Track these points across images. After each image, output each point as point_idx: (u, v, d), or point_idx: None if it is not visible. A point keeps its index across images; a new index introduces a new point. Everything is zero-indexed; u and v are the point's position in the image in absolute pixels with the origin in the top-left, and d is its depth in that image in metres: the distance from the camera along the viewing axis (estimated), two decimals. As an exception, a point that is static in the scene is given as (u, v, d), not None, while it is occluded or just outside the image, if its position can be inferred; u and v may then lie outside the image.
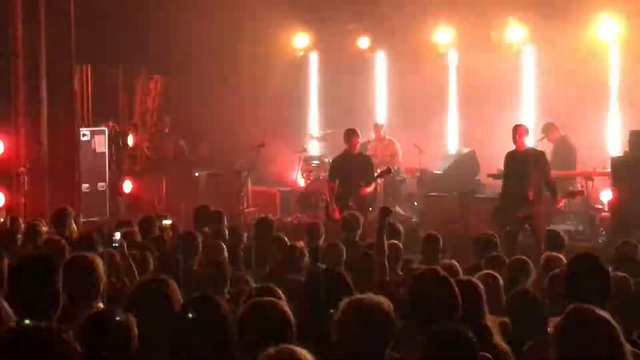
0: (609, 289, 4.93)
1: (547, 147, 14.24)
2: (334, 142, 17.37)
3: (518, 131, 12.03)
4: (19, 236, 9.30)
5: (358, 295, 4.43)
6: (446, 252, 9.32)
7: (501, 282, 6.80)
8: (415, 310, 4.90)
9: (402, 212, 16.13)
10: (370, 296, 4.38)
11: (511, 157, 12.16)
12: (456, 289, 4.94)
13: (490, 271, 6.94)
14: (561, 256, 7.65)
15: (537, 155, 12.01)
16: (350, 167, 12.88)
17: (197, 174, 17.24)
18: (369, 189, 12.84)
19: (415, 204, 16.49)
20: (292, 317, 4.40)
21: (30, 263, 5.10)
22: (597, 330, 3.75)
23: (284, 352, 3.61)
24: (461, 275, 6.88)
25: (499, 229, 10.73)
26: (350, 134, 12.98)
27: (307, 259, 7.92)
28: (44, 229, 9.43)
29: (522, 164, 11.87)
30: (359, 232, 10.01)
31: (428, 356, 4.22)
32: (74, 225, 10.17)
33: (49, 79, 15.12)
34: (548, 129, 14.86)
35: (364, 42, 17.99)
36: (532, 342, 4.86)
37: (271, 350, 3.63)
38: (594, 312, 3.82)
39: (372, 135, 16.63)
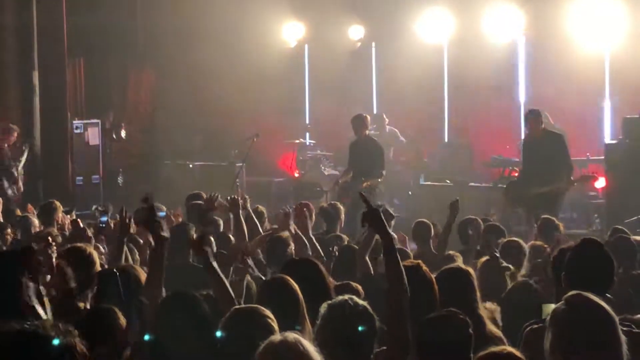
0: (613, 277, 4.89)
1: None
2: (328, 133, 17.40)
3: (530, 117, 11.98)
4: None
5: (339, 299, 4.35)
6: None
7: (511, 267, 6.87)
8: None
9: (397, 202, 16.16)
10: (352, 300, 4.30)
11: (526, 143, 12.26)
12: (435, 286, 4.89)
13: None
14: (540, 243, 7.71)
15: (553, 138, 11.96)
16: (360, 153, 12.80)
17: (191, 166, 17.22)
18: (366, 184, 12.70)
19: (410, 193, 16.49)
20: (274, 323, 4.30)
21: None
22: (594, 319, 3.73)
23: (289, 340, 3.60)
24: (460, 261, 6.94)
25: (511, 205, 10.86)
26: (364, 120, 12.84)
27: (291, 248, 7.90)
28: (35, 221, 9.39)
29: (537, 148, 11.85)
30: (340, 223, 9.94)
31: (422, 340, 4.23)
32: (63, 219, 10.16)
33: (41, 71, 15.09)
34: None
35: (357, 32, 17.96)
36: (529, 328, 4.85)
37: (276, 337, 3.65)
38: (593, 301, 3.81)
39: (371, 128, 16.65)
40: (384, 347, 4.56)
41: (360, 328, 4.16)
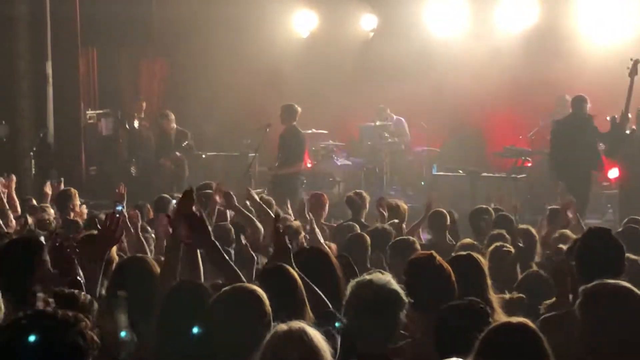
0: (623, 264, 4.88)
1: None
2: (341, 123, 17.38)
3: None
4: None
5: (366, 276, 4.45)
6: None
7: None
8: (410, 295, 4.89)
9: (410, 192, 16.16)
10: (377, 276, 4.42)
11: None
12: (452, 275, 4.92)
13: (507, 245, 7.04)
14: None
15: None
16: (284, 143, 13.34)
17: (203, 156, 17.23)
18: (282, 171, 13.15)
19: (423, 183, 16.49)
20: (267, 307, 4.28)
21: (13, 247, 5.12)
22: (624, 300, 3.80)
23: (294, 330, 3.63)
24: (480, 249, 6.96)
25: None
26: (294, 110, 13.25)
27: (301, 237, 7.91)
28: (51, 211, 9.43)
29: None
30: (365, 211, 9.97)
31: (440, 329, 4.27)
32: (79, 208, 10.21)
33: (54, 61, 15.11)
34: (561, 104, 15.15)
35: (369, 21, 17.96)
36: (543, 318, 4.85)
37: (283, 326, 3.67)
38: (620, 284, 3.87)
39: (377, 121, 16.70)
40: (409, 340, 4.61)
41: (385, 297, 4.26)
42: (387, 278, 4.38)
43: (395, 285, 4.34)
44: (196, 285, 4.64)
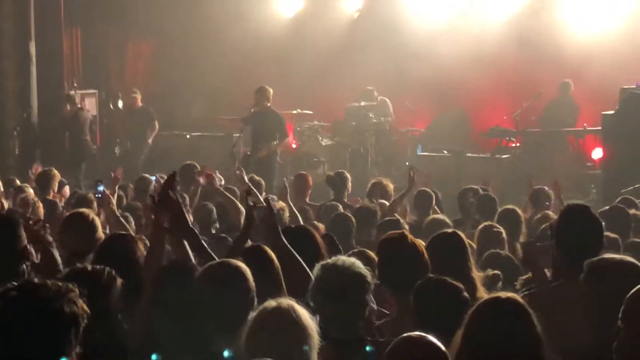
0: (602, 240, 4.90)
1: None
2: (326, 104, 17.35)
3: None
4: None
5: (331, 259, 4.43)
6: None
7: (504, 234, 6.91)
8: (382, 275, 4.89)
9: (395, 172, 16.18)
10: (341, 258, 4.40)
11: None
12: (425, 254, 4.93)
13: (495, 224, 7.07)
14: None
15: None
16: (260, 124, 13.38)
17: (188, 136, 17.20)
18: (263, 154, 13.21)
19: (407, 163, 16.50)
20: (251, 283, 4.32)
21: None
22: (630, 274, 3.86)
23: (283, 306, 3.64)
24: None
25: None
26: (266, 92, 13.36)
27: (286, 216, 7.95)
28: (30, 191, 9.36)
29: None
30: (346, 191, 9.97)
31: (418, 307, 4.29)
32: (63, 188, 10.20)
33: (38, 40, 15.02)
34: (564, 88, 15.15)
35: (354, 2, 17.94)
36: (526, 294, 4.88)
37: (271, 302, 3.67)
38: (625, 259, 3.98)
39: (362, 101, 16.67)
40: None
41: (349, 280, 4.24)
42: (351, 260, 4.35)
43: (360, 268, 4.30)
44: (186, 265, 4.62)
